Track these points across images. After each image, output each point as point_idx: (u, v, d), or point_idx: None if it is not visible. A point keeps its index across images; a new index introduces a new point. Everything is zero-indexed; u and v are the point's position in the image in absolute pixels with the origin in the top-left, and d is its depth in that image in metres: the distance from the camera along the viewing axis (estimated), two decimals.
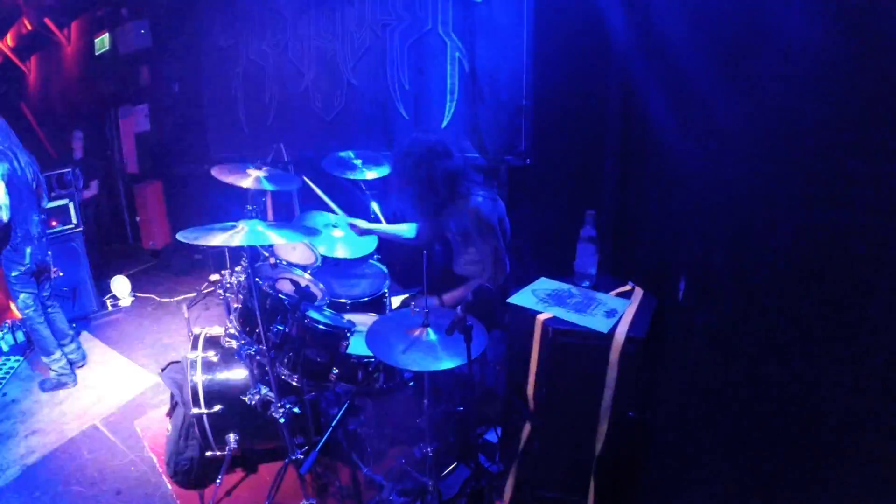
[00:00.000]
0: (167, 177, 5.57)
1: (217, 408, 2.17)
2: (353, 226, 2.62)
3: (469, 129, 3.07)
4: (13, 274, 3.04)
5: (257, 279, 2.01)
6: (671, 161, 1.83)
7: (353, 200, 2.96)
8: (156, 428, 2.74)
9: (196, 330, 2.43)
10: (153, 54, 5.29)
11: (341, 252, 2.63)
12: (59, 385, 3.15)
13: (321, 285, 2.39)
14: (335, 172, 2.78)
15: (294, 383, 2.04)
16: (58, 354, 3.14)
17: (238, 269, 2.41)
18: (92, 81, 6.14)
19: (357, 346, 2.04)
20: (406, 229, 2.63)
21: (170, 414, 2.47)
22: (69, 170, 4.12)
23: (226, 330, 2.29)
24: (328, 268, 2.63)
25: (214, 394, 2.19)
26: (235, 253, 2.42)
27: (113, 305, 4.44)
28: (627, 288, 1.95)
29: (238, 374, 2.24)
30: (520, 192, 2.95)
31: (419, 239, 2.58)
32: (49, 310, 3.33)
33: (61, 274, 3.43)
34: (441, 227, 2.43)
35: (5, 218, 2.89)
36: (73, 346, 3.40)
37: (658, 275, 1.89)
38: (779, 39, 1.03)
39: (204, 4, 4.59)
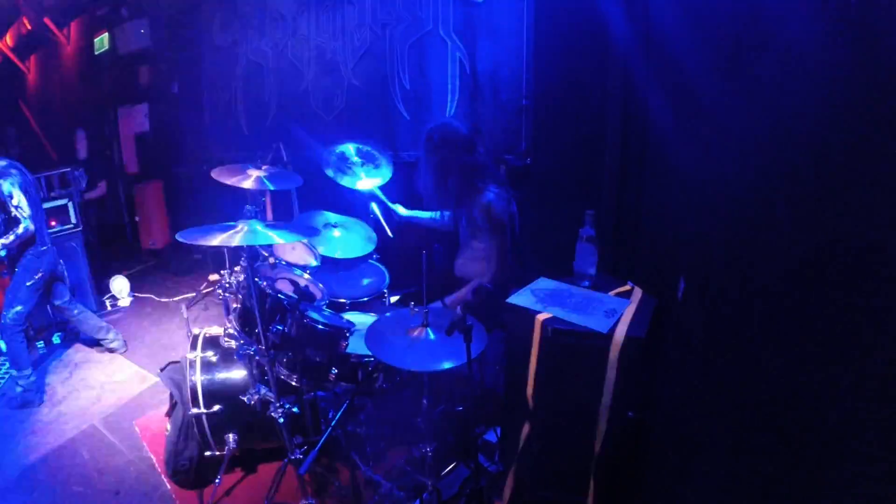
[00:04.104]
0: (167, 177, 5.57)
1: (216, 408, 2.17)
2: (394, 211, 2.68)
3: (468, 127, 3.08)
4: (28, 283, 3.04)
5: (256, 279, 2.01)
6: (671, 161, 1.83)
7: (353, 201, 2.96)
8: (155, 428, 2.74)
9: (195, 330, 2.42)
10: (153, 54, 5.29)
11: (340, 252, 2.63)
12: (25, 403, 3.02)
13: (320, 285, 2.39)
14: (335, 175, 2.77)
15: (293, 383, 2.04)
16: (28, 371, 3.06)
17: (237, 269, 2.41)
18: (91, 81, 6.13)
19: (356, 346, 2.04)
20: (437, 215, 2.66)
21: (169, 414, 2.47)
22: (69, 169, 4.12)
23: (225, 330, 2.28)
24: (327, 268, 2.63)
25: (213, 394, 2.18)
26: (235, 253, 2.42)
27: (112, 305, 4.44)
28: (627, 288, 1.95)
29: (237, 374, 2.24)
30: (520, 192, 2.96)
31: (449, 223, 2.60)
32: (76, 311, 3.43)
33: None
34: (456, 217, 2.45)
35: (32, 227, 2.97)
36: (111, 335, 3.58)
37: (658, 275, 1.89)
38: (779, 39, 1.04)
39: (203, 4, 4.59)
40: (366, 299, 2.53)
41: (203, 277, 4.63)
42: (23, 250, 3.03)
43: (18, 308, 3.02)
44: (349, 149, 2.82)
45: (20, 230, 2.92)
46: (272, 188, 2.47)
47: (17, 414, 2.95)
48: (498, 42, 2.90)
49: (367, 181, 2.76)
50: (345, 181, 2.76)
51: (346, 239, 2.69)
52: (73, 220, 4.05)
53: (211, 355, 2.26)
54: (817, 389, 0.85)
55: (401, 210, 2.70)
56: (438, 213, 2.63)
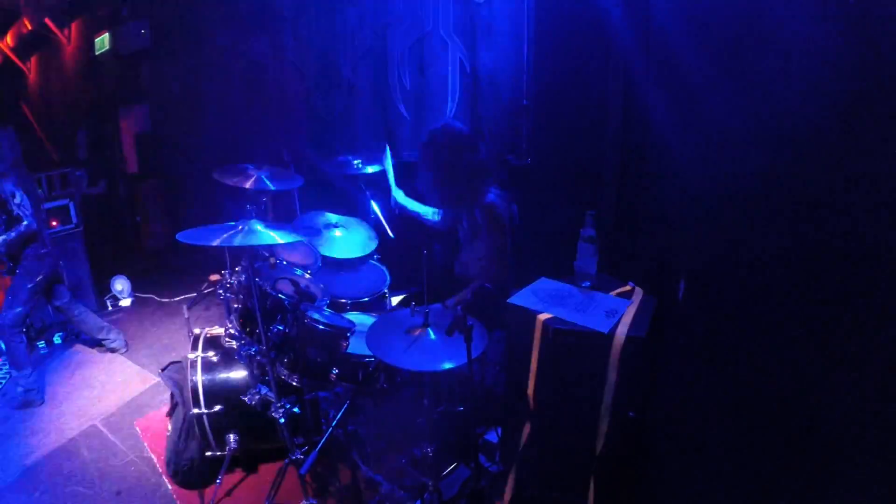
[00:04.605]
0: (167, 177, 5.57)
1: (217, 408, 2.17)
2: (393, 197, 2.67)
3: (470, 128, 3.08)
4: (28, 286, 3.04)
5: (257, 279, 2.01)
6: (671, 161, 1.83)
7: (352, 200, 2.97)
8: (156, 428, 2.74)
9: (196, 330, 2.43)
10: (153, 54, 5.29)
11: (341, 252, 2.63)
12: (26, 403, 3.00)
13: (321, 285, 2.39)
14: (336, 171, 2.79)
15: (294, 383, 2.04)
16: (28, 371, 3.05)
17: (238, 269, 2.41)
18: (92, 81, 6.14)
19: (357, 346, 2.04)
20: (431, 212, 2.66)
21: (170, 414, 2.47)
22: (69, 169, 4.12)
23: (226, 330, 2.28)
24: (328, 268, 2.63)
25: (214, 394, 2.19)
26: (235, 253, 2.42)
27: (113, 306, 4.44)
28: (627, 288, 1.95)
29: (238, 374, 2.24)
30: (520, 192, 2.96)
31: (442, 224, 2.58)
32: (76, 312, 3.43)
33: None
34: (456, 217, 2.44)
35: (34, 224, 2.98)
36: (112, 335, 3.57)
37: (658, 275, 1.89)
38: (779, 39, 1.04)
39: (204, 4, 4.59)
40: (366, 299, 2.53)
41: (204, 277, 4.62)
42: (23, 250, 3.03)
43: (18, 309, 3.02)
44: (348, 158, 2.87)
45: (22, 227, 2.93)
46: (273, 188, 2.48)
47: (18, 414, 2.95)
48: (498, 42, 2.90)
49: (373, 168, 2.82)
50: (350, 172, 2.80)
51: (346, 239, 2.69)
52: (74, 220, 4.05)
53: (212, 355, 2.26)
54: (817, 389, 0.85)
55: (401, 196, 2.68)
56: (436, 212, 2.63)
